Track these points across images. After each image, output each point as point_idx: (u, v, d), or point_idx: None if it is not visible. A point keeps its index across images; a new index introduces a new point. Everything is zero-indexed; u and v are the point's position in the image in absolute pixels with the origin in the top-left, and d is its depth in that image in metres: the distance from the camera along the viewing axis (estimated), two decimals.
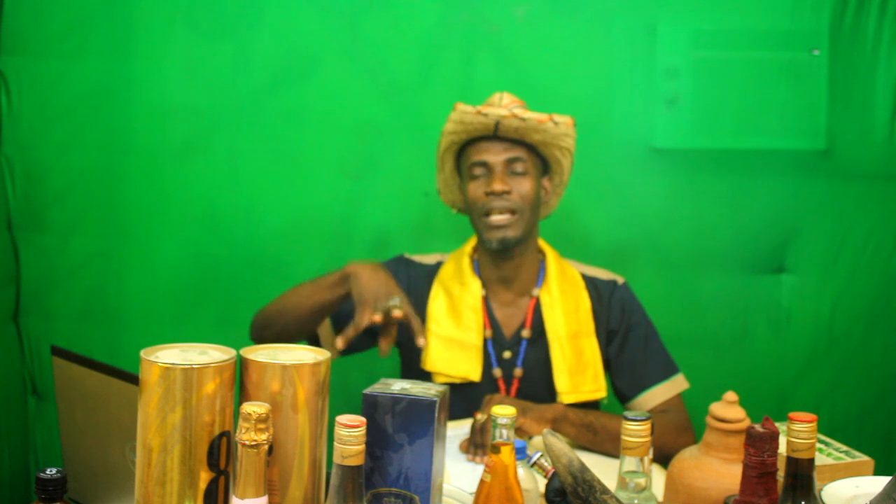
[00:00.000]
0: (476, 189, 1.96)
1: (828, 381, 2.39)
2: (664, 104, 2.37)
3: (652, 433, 1.20)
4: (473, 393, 1.91)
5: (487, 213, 1.94)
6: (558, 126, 1.91)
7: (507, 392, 1.98)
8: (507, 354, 1.99)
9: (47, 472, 1.08)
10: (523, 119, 1.88)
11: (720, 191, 2.39)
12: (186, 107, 2.39)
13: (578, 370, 1.94)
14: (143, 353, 1.09)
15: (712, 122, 2.38)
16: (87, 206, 2.42)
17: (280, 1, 2.38)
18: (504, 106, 1.92)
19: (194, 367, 1.07)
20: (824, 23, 2.32)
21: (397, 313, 1.75)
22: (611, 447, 1.78)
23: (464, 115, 1.91)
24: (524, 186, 1.94)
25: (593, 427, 1.80)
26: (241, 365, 1.14)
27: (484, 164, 1.95)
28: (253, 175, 2.41)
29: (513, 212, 1.93)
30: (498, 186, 1.91)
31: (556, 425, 1.78)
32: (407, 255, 2.11)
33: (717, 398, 1.31)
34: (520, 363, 1.98)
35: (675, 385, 1.97)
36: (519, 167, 1.94)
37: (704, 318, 2.40)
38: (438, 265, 2.08)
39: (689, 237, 2.40)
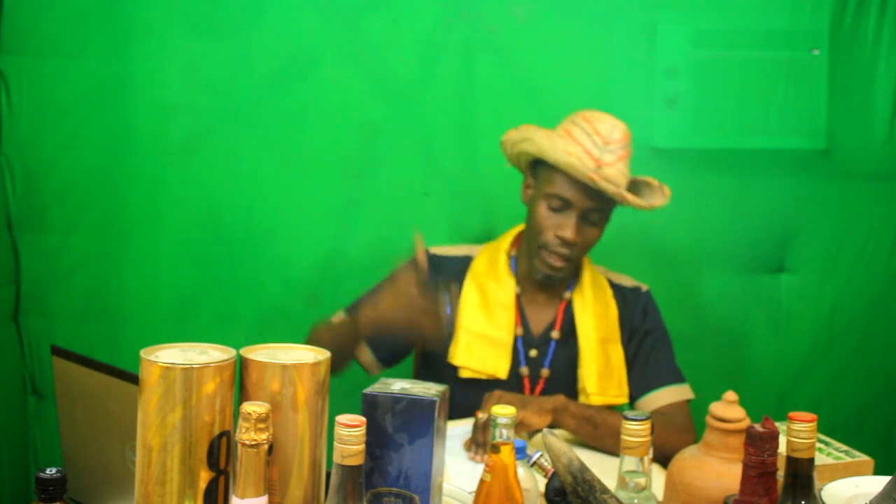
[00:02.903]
0: (546, 219, 1.91)
1: (828, 381, 2.39)
2: (664, 104, 2.37)
3: (652, 433, 1.20)
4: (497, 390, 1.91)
5: (547, 249, 1.92)
6: (655, 206, 1.91)
7: (532, 392, 1.98)
8: (533, 353, 1.99)
9: (47, 472, 1.08)
10: (625, 200, 1.85)
11: (720, 191, 2.39)
12: (186, 106, 2.38)
13: (606, 374, 1.95)
14: (143, 353, 1.09)
15: (712, 122, 2.38)
16: (87, 206, 2.42)
17: (280, 1, 2.38)
18: (612, 142, 1.85)
19: (194, 366, 1.07)
20: (824, 23, 2.32)
21: None
22: (611, 442, 1.78)
23: (571, 167, 1.84)
24: (592, 235, 1.93)
25: (593, 420, 1.80)
26: (241, 365, 1.14)
27: (565, 201, 1.89)
28: (253, 175, 2.41)
29: (570, 259, 1.92)
30: (570, 235, 1.88)
31: (557, 416, 1.78)
32: (432, 250, 2.08)
33: (717, 398, 1.31)
34: (547, 364, 1.99)
35: (681, 391, 1.98)
36: (594, 217, 1.91)
37: (704, 318, 2.40)
38: (467, 259, 2.06)
39: (689, 237, 2.40)
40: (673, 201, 2.38)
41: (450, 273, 2.04)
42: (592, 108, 2.35)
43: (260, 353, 1.15)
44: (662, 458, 1.56)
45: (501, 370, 1.95)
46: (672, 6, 2.35)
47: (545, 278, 1.95)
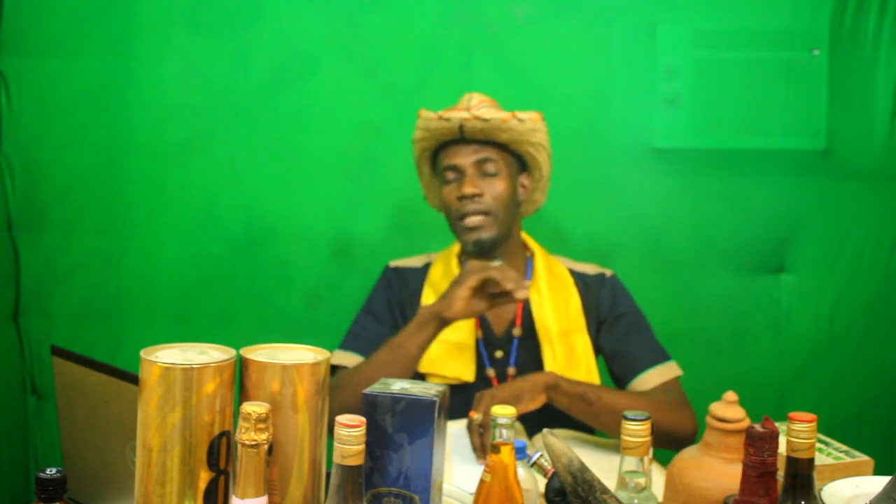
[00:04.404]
0: (449, 193, 1.95)
1: (828, 381, 2.39)
2: (664, 104, 2.37)
3: (652, 433, 1.20)
4: (468, 393, 1.90)
5: (461, 217, 1.93)
6: (524, 123, 1.90)
7: None
8: (499, 354, 1.99)
9: (47, 472, 1.08)
10: (486, 120, 1.87)
11: (720, 191, 2.39)
12: (186, 107, 2.39)
13: (570, 367, 1.93)
14: (143, 353, 1.09)
15: (712, 122, 2.38)
16: (87, 206, 2.42)
17: (280, 1, 2.38)
18: (472, 107, 1.90)
19: (194, 366, 1.07)
20: (824, 23, 2.32)
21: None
22: (607, 419, 1.77)
23: (427, 121, 1.92)
24: (496, 187, 1.93)
25: (587, 398, 1.78)
26: (241, 365, 1.14)
27: (455, 168, 1.94)
28: (253, 175, 2.41)
29: (486, 213, 1.92)
30: (468, 190, 1.90)
31: (550, 393, 1.76)
32: (393, 264, 2.09)
33: (717, 398, 1.31)
34: (513, 362, 1.98)
35: (667, 370, 1.96)
36: (490, 168, 1.93)
37: (704, 318, 2.40)
38: (427, 266, 2.07)
39: (689, 237, 2.40)
40: (673, 201, 2.40)
41: (413, 285, 2.04)
42: (596, 110, 2.37)
43: (260, 353, 1.15)
44: (663, 439, 1.55)
45: (467, 373, 1.94)
46: (672, 6, 2.35)
47: (475, 246, 1.93)
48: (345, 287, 2.39)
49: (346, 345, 1.99)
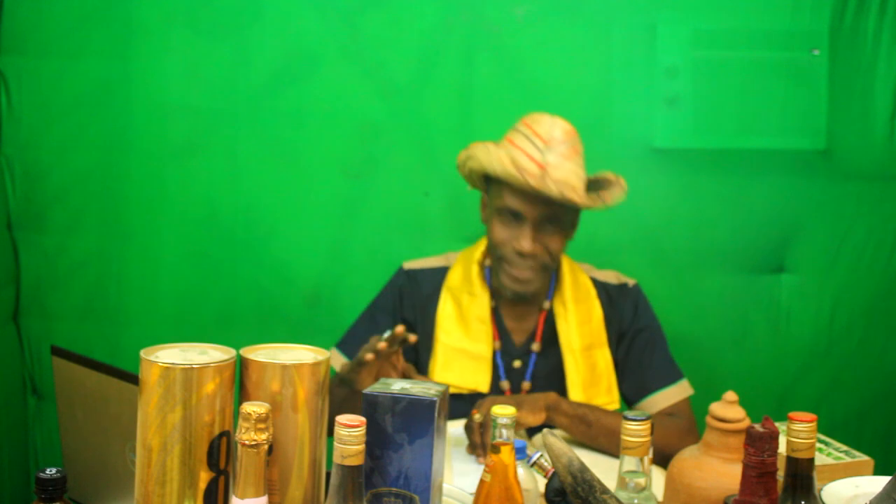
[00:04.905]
0: (502, 234, 1.86)
1: (828, 381, 2.39)
2: (664, 104, 2.37)
3: (651, 433, 1.20)
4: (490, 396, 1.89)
5: (510, 264, 1.87)
6: (608, 204, 1.82)
7: None
8: (516, 364, 1.96)
9: (47, 472, 1.08)
10: (571, 201, 1.76)
11: (720, 191, 2.39)
12: (186, 106, 2.39)
13: (592, 383, 1.92)
14: (143, 353, 1.09)
15: (712, 122, 2.38)
16: (87, 206, 2.42)
17: (280, 1, 2.38)
18: (551, 140, 1.78)
19: (194, 366, 1.07)
20: (824, 23, 2.32)
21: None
22: (605, 441, 1.76)
23: (513, 178, 1.77)
24: (555, 242, 1.85)
25: (587, 419, 1.78)
26: (241, 365, 1.14)
27: (516, 214, 1.84)
28: (253, 175, 2.41)
29: (538, 268, 1.86)
30: (527, 247, 1.82)
31: (550, 413, 1.76)
32: (407, 266, 2.05)
33: (717, 398, 1.31)
34: (528, 376, 1.96)
35: (680, 390, 1.95)
36: (554, 224, 1.84)
37: (704, 318, 2.40)
38: (444, 270, 2.02)
39: (689, 237, 2.40)
40: (673, 201, 2.40)
41: (429, 288, 2.00)
42: (596, 110, 2.37)
43: (260, 353, 1.15)
44: (665, 462, 1.55)
45: (482, 384, 1.92)
46: (672, 6, 2.35)
47: (515, 295, 1.89)
48: (345, 287, 2.40)
49: (341, 345, 1.99)
